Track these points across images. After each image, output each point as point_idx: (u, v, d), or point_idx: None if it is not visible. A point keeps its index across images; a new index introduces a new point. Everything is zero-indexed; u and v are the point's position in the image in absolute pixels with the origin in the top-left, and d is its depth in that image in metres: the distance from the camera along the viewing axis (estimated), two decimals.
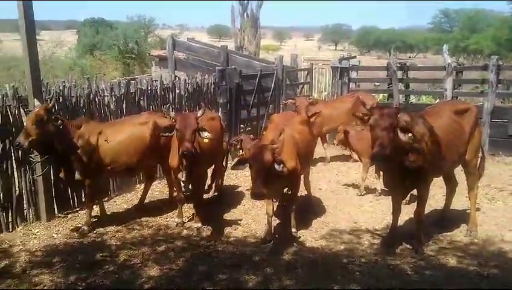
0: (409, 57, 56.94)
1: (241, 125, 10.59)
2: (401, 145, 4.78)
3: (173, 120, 5.62)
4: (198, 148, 5.67)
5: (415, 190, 5.57)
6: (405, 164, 4.95)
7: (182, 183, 5.88)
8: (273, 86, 11.36)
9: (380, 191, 7.51)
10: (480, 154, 6.13)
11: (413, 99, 13.31)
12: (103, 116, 7.36)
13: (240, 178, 8.51)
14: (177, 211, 6.43)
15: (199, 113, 5.76)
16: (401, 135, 4.69)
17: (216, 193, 7.66)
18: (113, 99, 7.54)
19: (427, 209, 6.74)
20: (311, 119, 9.14)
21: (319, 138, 9.92)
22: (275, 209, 6.57)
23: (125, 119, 6.86)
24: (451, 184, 6.28)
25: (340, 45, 78.29)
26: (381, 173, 6.61)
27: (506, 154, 10.06)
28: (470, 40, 42.35)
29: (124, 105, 7.71)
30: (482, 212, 6.68)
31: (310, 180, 7.41)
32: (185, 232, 6.12)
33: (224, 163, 7.68)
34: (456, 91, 11.21)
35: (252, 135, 7.93)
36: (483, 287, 4.56)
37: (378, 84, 13.24)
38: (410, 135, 4.70)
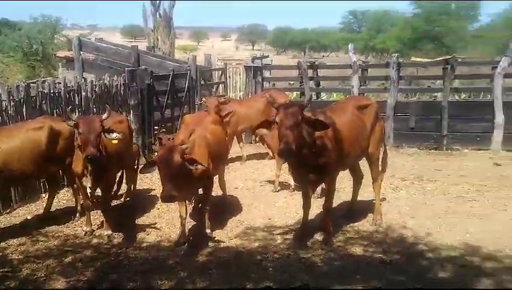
0: (323, 56, 59.18)
1: (155, 127, 10.36)
2: (307, 141, 4.92)
3: (76, 123, 5.36)
4: (104, 152, 5.45)
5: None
6: (311, 159, 5.09)
7: (88, 189, 5.62)
8: (186, 86, 11.25)
9: (293, 187, 7.67)
10: (382, 149, 6.49)
11: (324, 96, 13.81)
12: (1, 122, 6.84)
13: (155, 181, 8.30)
14: (85, 220, 6.14)
15: (104, 115, 5.54)
16: (304, 132, 4.84)
17: (128, 198, 7.42)
18: (12, 104, 7.04)
19: (337, 201, 7.03)
20: (226, 118, 9.21)
21: (235, 137, 9.98)
22: (190, 210, 6.53)
23: (18, 124, 6.45)
24: (357, 176, 6.56)
25: (258, 45, 79.43)
26: None
27: (408, 145, 10.73)
28: (377, 40, 45.02)
29: (24, 110, 7.22)
30: (387, 202, 7.07)
31: (226, 180, 7.44)
32: (94, 240, 5.87)
33: (136, 166, 7.46)
34: (362, 88, 11.79)
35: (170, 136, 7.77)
36: (387, 273, 4.81)
37: (292, 82, 13.57)
38: (314, 131, 4.86)
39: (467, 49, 31.34)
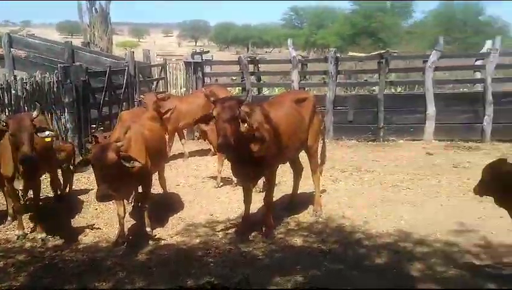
0: (266, 52, 59.57)
1: (93, 125, 10.03)
2: (245, 135, 4.94)
3: (6, 124, 5.09)
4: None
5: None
6: (249, 153, 5.12)
7: (20, 192, 5.36)
8: (124, 82, 10.96)
9: (236, 182, 7.67)
10: (321, 142, 6.63)
11: (266, 91, 13.90)
12: None
13: (92, 181, 8.01)
14: (17, 223, 5.84)
15: (34, 113, 5.31)
16: (242, 125, 4.86)
17: (59, 199, 7.12)
18: None
19: (279, 194, 7.13)
20: (166, 115, 9.07)
21: (177, 134, 9.86)
22: (130, 209, 6.39)
23: None
24: (297, 169, 6.66)
25: (200, 41, 78.95)
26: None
27: (348, 138, 11.05)
28: (318, 36, 45.98)
29: None
30: (327, 193, 7.23)
31: (168, 177, 7.35)
32: (28, 244, 5.59)
33: (72, 166, 7.19)
34: (303, 82, 11.99)
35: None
36: (326, 262, 4.92)
37: (234, 78, 13.56)
38: (246, 125, 4.89)
39: (402, 44, 32.67)
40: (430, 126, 10.73)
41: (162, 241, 5.65)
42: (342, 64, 11.96)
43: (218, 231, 5.86)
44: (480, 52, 11.97)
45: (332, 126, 11.08)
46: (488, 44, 11.52)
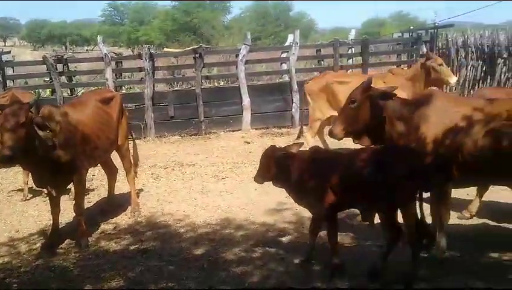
0: (87, 50, 56.42)
1: None
2: (42, 141, 4.56)
3: None
4: None
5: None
6: (50, 160, 4.75)
7: None
8: None
9: (46, 192, 7.08)
10: (131, 140, 6.52)
11: (81, 91, 13.04)
12: None
13: None
14: None
15: None
16: (39, 131, 4.47)
17: None
18: None
19: (96, 199, 6.85)
20: None
21: None
22: None
23: None
24: (110, 171, 6.44)
25: (10, 40, 71.25)
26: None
27: (170, 134, 11.04)
28: (140, 32, 45.11)
29: None
30: (147, 191, 7.16)
31: None
32: None
33: None
34: (119, 80, 11.59)
35: None
36: (142, 261, 4.84)
37: (48, 79, 12.45)
38: (48, 130, 4.54)
39: (223, 39, 33.96)
40: (246, 116, 11.33)
41: None
42: (159, 60, 11.85)
43: (24, 248, 5.33)
44: (285, 45, 13.02)
45: (153, 123, 10.97)
46: (290, 38, 12.58)
